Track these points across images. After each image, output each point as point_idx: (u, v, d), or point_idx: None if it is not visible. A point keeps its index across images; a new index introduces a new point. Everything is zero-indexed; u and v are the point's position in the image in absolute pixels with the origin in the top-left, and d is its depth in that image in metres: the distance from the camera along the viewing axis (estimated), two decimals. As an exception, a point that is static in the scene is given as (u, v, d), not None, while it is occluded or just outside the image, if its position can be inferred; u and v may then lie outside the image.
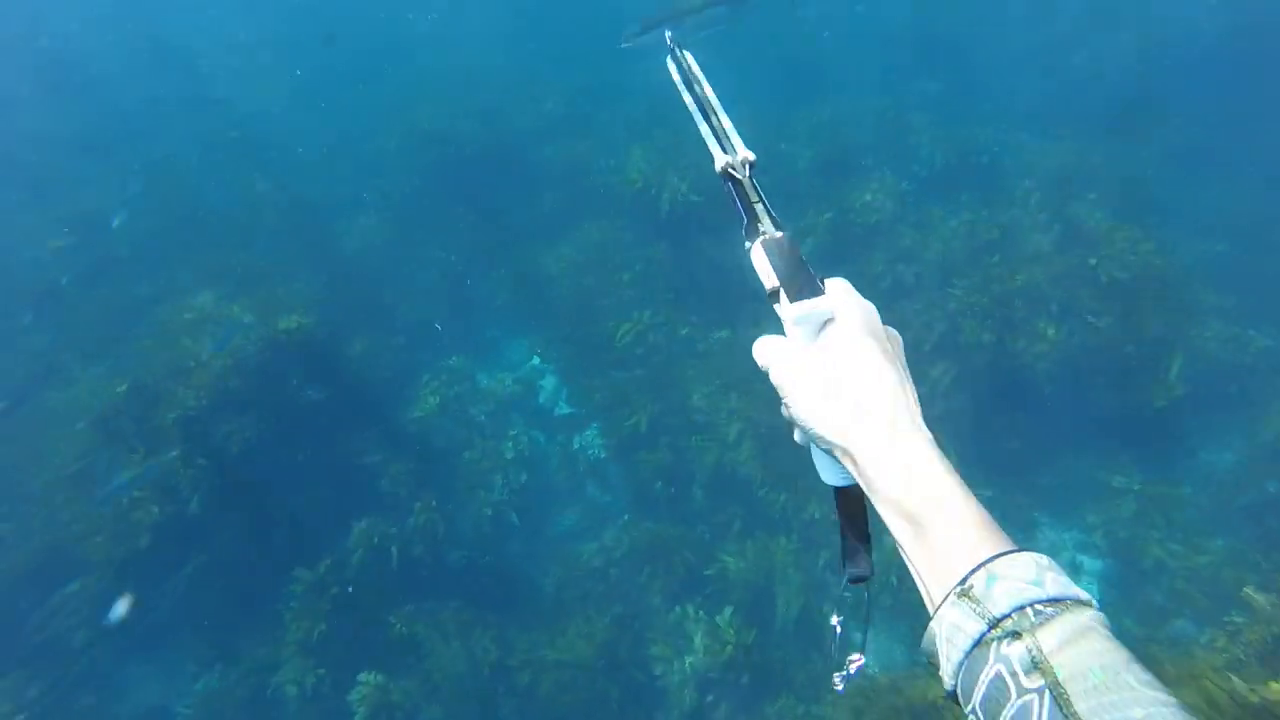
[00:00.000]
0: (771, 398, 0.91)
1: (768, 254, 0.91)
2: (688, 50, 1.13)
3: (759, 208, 0.96)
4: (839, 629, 0.92)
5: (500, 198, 10.14)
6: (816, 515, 6.56)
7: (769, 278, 0.90)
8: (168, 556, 5.83)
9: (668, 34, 1.16)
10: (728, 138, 1.02)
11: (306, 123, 12.11)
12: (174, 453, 5.71)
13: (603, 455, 7.66)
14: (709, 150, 1.02)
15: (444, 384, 7.87)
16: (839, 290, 0.91)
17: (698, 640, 5.92)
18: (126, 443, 5.79)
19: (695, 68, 1.11)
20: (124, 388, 5.96)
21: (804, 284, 0.89)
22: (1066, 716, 0.60)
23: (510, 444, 7.35)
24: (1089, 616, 0.66)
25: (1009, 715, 0.64)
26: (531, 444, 7.60)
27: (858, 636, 0.91)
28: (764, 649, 5.89)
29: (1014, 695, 0.64)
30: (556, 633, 6.10)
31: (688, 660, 5.84)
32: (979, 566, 0.71)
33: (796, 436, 0.92)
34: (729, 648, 5.81)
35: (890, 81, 11.88)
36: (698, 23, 6.91)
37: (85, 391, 6.60)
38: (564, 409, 8.25)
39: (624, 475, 7.44)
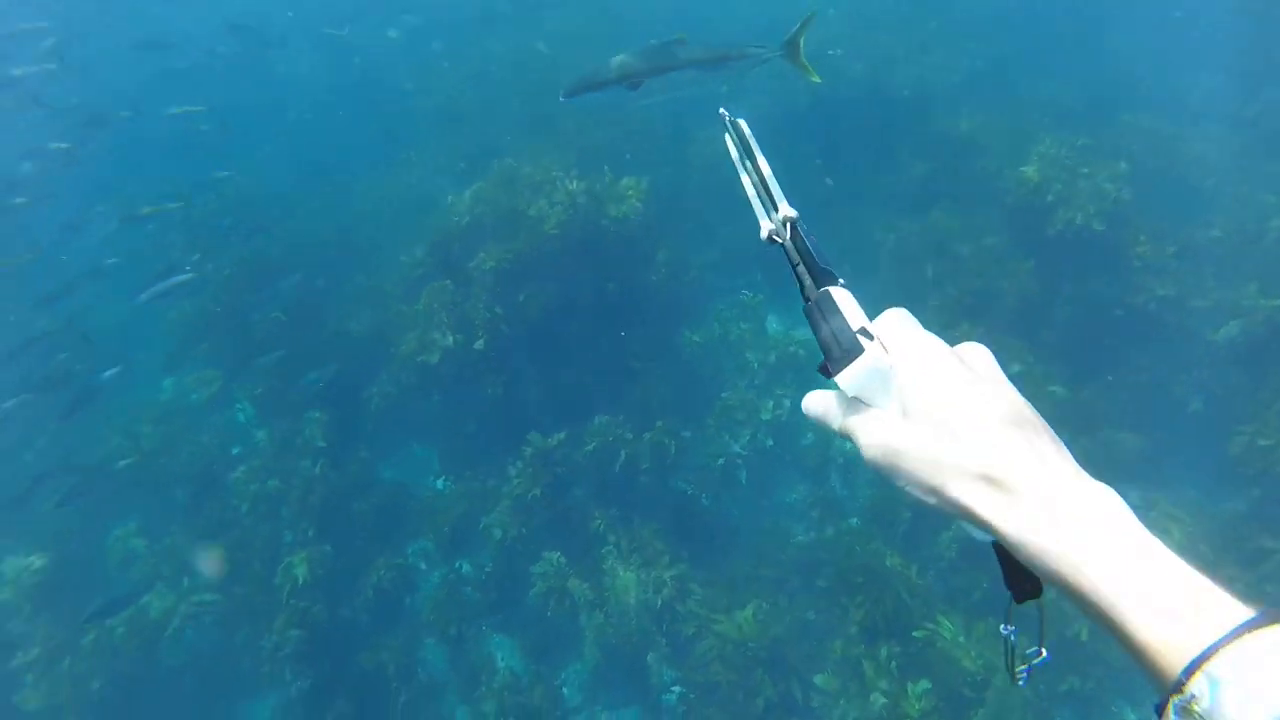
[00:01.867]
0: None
1: (809, 317, 0.83)
2: (739, 119, 1.03)
3: (800, 270, 0.87)
4: (1013, 638, 0.82)
5: (869, 153, 9.30)
6: (1084, 637, 5.35)
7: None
8: (446, 375, 6.59)
9: (723, 111, 1.05)
10: (771, 199, 0.93)
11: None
12: (482, 295, 6.31)
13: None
14: (757, 213, 0.95)
15: (733, 316, 7.64)
16: (891, 328, 0.77)
17: (876, 696, 5.26)
18: (449, 271, 6.53)
19: (749, 136, 1.01)
20: (464, 221, 6.65)
21: (849, 345, 0.76)
22: None
23: (771, 404, 6.98)
24: None
25: None
26: (792, 409, 7.15)
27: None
28: (949, 745, 5.07)
29: None
30: (737, 603, 5.83)
31: (853, 710, 5.24)
32: (1195, 664, 0.52)
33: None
34: (907, 724, 5.09)
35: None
36: (662, 84, 5.59)
37: (438, 215, 7.50)
38: (842, 386, 7.61)
39: (873, 485, 6.71)
